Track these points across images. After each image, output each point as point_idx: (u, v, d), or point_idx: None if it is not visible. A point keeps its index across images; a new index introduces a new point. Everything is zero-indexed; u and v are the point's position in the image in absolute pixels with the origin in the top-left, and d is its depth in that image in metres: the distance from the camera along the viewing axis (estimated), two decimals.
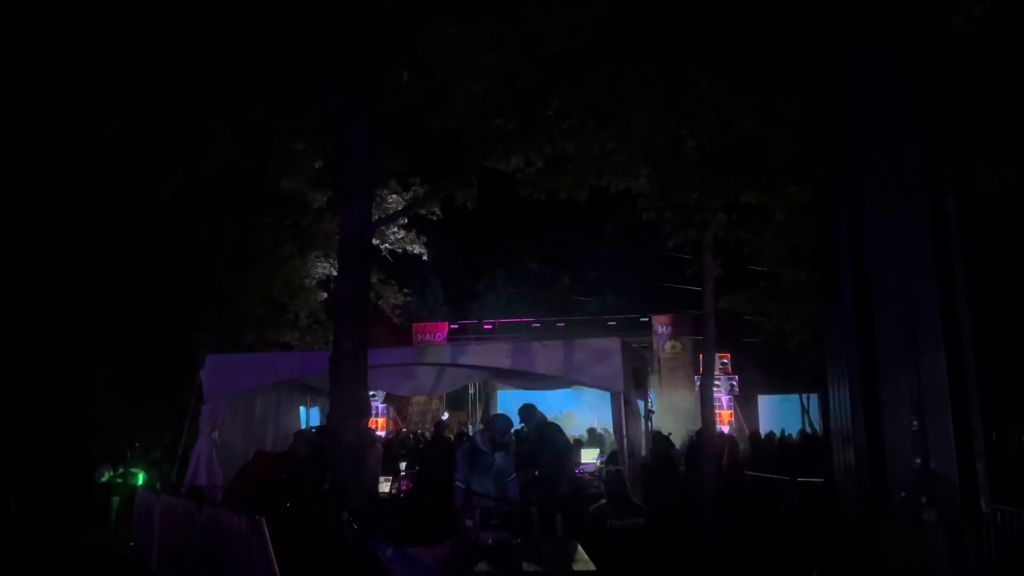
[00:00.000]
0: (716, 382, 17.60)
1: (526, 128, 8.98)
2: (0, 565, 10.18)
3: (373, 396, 16.52)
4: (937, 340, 3.02)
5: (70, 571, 9.78)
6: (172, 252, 18.55)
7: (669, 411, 20.13)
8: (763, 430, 18.71)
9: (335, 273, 17.53)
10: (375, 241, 17.15)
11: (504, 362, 11.42)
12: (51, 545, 11.65)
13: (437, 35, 7.51)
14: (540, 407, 9.72)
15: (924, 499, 3.05)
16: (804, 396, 23.86)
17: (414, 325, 23.31)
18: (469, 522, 6.63)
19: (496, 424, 7.61)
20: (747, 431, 18.59)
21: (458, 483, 7.35)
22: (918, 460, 3.06)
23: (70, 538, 12.10)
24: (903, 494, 3.07)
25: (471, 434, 8.43)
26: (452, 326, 23.71)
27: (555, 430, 9.35)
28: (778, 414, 23.19)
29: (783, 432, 16.91)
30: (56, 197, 15.89)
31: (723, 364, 20.86)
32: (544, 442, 8.90)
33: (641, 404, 11.99)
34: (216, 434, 11.21)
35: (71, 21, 7.43)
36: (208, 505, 7.70)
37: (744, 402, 22.35)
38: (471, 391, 21.08)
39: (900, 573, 3.04)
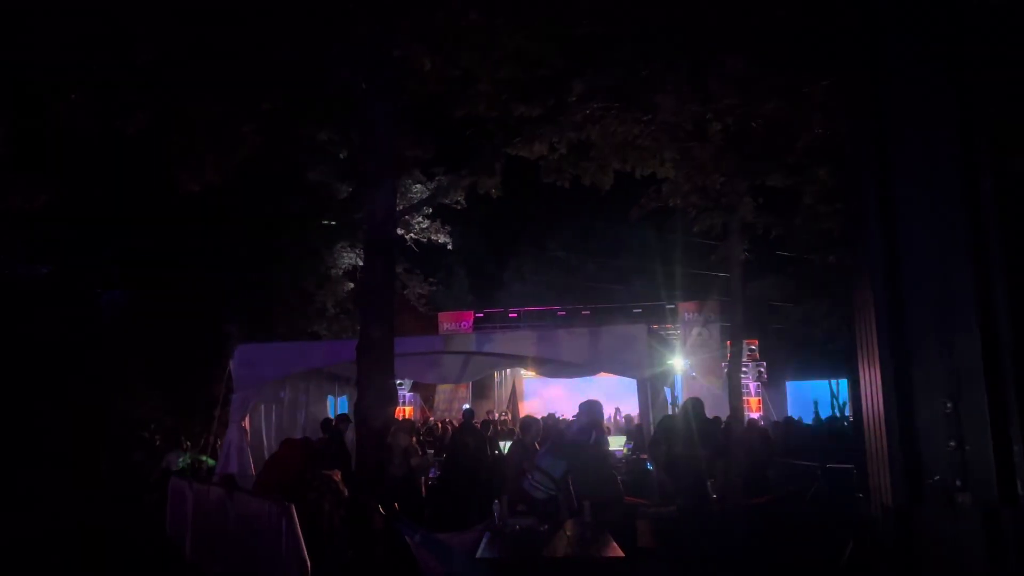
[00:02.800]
0: (744, 369, 17.43)
1: (549, 114, 8.93)
2: (47, 546, 10.42)
3: (400, 385, 16.61)
4: (971, 320, 2.96)
5: (106, 556, 9.97)
6: (201, 243, 18.75)
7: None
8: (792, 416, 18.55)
9: (361, 263, 17.64)
10: (400, 231, 17.23)
11: (529, 350, 11.43)
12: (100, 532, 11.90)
13: (459, 21, 7.48)
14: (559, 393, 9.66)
15: (958, 482, 3.00)
16: (833, 382, 23.64)
17: (440, 314, 23.37)
18: (496, 509, 6.64)
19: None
20: (775, 418, 18.44)
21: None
22: (952, 443, 3.00)
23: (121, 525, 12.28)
24: (937, 477, 3.02)
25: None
26: (478, 315, 23.70)
27: None
28: (803, 401, 23.00)
29: (817, 415, 16.71)
30: (88, 190, 16.14)
31: (751, 351, 20.68)
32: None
33: (668, 392, 11.94)
34: (247, 423, 11.35)
35: (94, 14, 7.50)
36: (239, 492, 7.80)
37: (772, 388, 22.15)
38: (497, 379, 21.12)
39: (935, 557, 2.99)
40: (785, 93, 8.05)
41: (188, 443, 13.41)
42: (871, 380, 3.42)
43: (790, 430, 13.27)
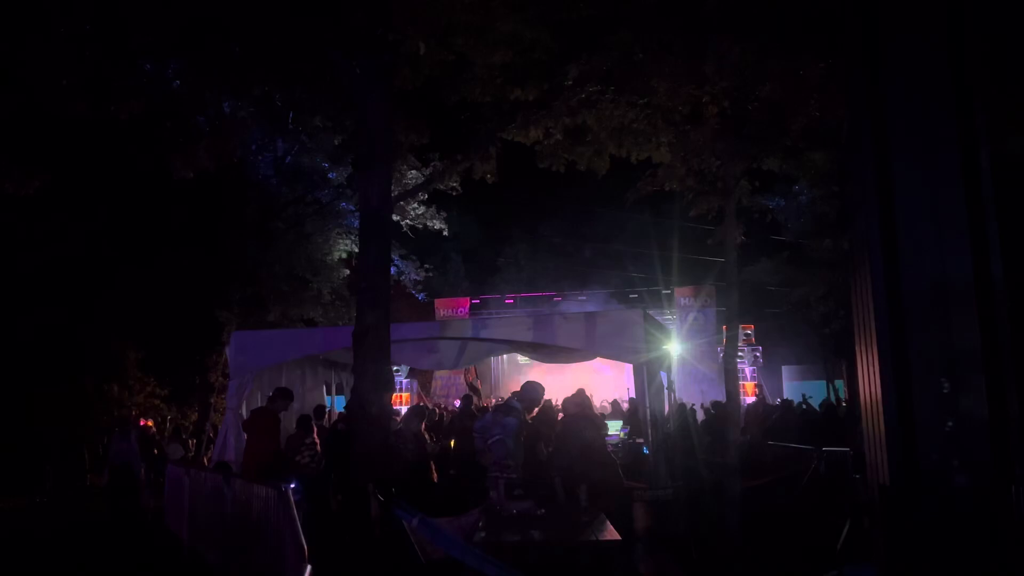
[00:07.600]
0: (740, 353, 17.47)
1: (544, 98, 8.88)
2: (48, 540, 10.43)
3: (397, 371, 16.63)
4: (969, 299, 2.96)
5: (107, 546, 10.00)
6: (196, 230, 18.68)
7: (692, 383, 20.06)
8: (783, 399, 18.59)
9: (356, 250, 17.59)
10: (396, 218, 17.17)
11: (526, 335, 11.39)
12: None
13: (454, 4, 7.41)
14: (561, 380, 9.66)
15: (956, 463, 3.00)
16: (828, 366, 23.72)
17: (436, 300, 23.39)
18: (493, 493, 6.66)
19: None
20: (770, 402, 18.52)
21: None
22: (950, 423, 3.01)
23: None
24: (934, 458, 3.02)
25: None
26: (473, 301, 23.71)
27: None
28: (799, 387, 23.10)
29: (804, 398, 16.72)
30: (83, 177, 16.05)
31: (746, 335, 20.74)
32: None
33: (664, 376, 11.93)
34: (243, 409, 11.34)
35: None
36: (236, 478, 7.80)
37: (767, 373, 22.23)
38: (493, 365, 21.15)
39: (931, 538, 3.00)
40: (782, 76, 8.01)
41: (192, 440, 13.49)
42: (868, 361, 3.42)
43: (787, 413, 13.32)
